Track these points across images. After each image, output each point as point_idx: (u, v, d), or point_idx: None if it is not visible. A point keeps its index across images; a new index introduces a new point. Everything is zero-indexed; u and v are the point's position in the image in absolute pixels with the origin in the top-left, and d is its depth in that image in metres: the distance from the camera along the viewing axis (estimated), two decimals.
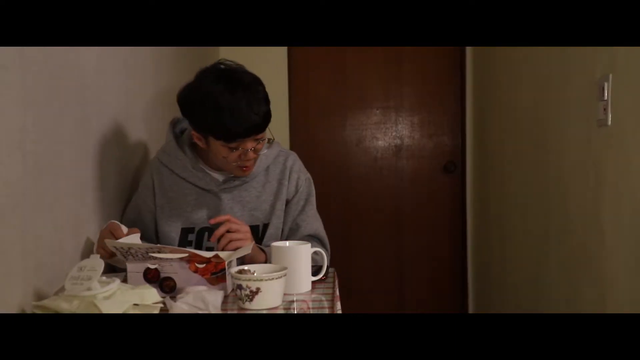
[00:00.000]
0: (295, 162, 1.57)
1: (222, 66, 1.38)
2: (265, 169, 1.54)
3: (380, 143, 3.19)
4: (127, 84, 1.62)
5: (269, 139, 1.47)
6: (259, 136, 1.40)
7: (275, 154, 1.55)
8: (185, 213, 1.50)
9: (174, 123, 1.56)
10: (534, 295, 2.15)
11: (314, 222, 1.56)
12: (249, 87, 1.35)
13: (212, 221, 1.36)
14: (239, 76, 1.37)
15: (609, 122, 1.49)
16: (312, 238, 1.54)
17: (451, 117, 3.16)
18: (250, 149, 1.39)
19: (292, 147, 3.16)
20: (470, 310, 3.17)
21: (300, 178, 1.56)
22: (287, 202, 1.54)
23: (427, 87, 3.15)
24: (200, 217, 1.50)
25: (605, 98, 1.50)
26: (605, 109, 1.50)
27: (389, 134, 3.18)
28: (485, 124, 2.88)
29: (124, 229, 1.38)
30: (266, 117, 1.38)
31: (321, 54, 3.15)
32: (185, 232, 1.50)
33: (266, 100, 1.39)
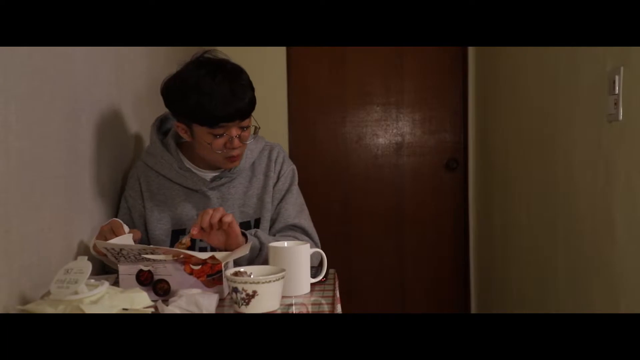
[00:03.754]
0: (279, 153, 1.56)
1: (205, 56, 1.40)
2: (251, 164, 1.52)
3: (381, 140, 3.14)
4: (118, 77, 1.56)
5: (255, 128, 1.46)
6: (244, 123, 1.38)
7: (260, 149, 1.54)
8: (175, 215, 1.48)
9: (158, 123, 1.54)
10: (540, 297, 2.10)
11: (294, 212, 1.53)
12: (231, 72, 1.36)
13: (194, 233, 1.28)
14: (220, 63, 1.38)
15: (620, 117, 1.44)
16: (295, 229, 1.51)
17: (453, 113, 3.11)
18: (236, 136, 1.38)
19: (291, 145, 3.11)
20: (473, 311, 3.13)
21: (283, 167, 1.55)
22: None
23: (428, 82, 3.10)
24: (190, 218, 1.48)
25: (616, 92, 1.45)
26: (616, 104, 1.45)
27: (389, 131, 3.13)
28: (488, 120, 2.82)
29: (126, 228, 1.34)
30: (250, 102, 1.37)
31: (320, 50, 3.10)
32: (177, 234, 1.47)
33: (250, 87, 1.39)
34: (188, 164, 1.48)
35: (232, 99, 1.32)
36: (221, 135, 1.36)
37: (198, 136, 1.39)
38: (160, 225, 1.47)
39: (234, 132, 1.37)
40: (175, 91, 1.37)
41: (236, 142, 1.38)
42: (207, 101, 1.31)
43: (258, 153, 1.53)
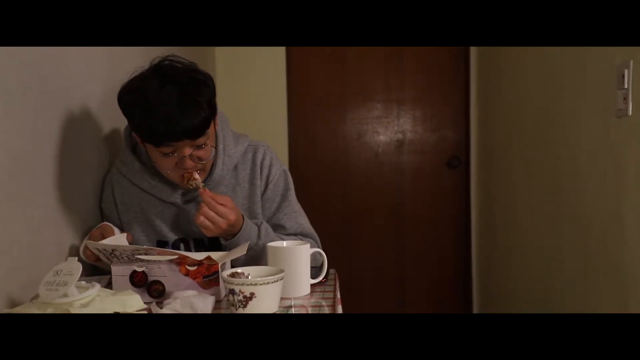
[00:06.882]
0: (265, 154, 1.40)
1: (166, 62, 1.23)
2: (234, 168, 1.38)
3: (382, 138, 3.10)
4: (112, 73, 1.52)
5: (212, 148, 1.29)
6: (197, 142, 1.22)
7: (242, 151, 1.38)
8: (154, 228, 1.37)
9: (130, 128, 1.34)
10: (544, 296, 2.06)
11: (296, 219, 1.41)
12: (185, 85, 1.18)
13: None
14: (177, 72, 1.21)
15: (630, 112, 1.40)
16: (297, 237, 1.41)
17: (455, 110, 3.06)
18: (188, 156, 1.22)
19: (290, 142, 3.08)
20: (475, 311, 3.09)
21: (272, 172, 1.39)
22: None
23: (429, 79, 3.05)
24: (169, 231, 1.38)
25: (625, 86, 1.41)
26: (625, 98, 1.41)
27: (390, 128, 3.09)
28: (491, 117, 2.78)
29: (117, 231, 1.29)
30: (203, 122, 1.19)
31: (320, 48, 3.05)
32: (162, 245, 1.38)
33: (208, 102, 1.21)
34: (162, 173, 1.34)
35: (179, 117, 1.15)
36: (171, 154, 1.22)
37: (149, 152, 1.26)
38: (143, 237, 1.37)
39: (186, 151, 1.21)
40: (124, 101, 1.22)
41: (188, 162, 1.23)
42: (150, 117, 1.15)
43: (241, 156, 1.38)
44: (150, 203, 1.36)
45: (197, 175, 1.26)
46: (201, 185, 1.26)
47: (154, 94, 1.16)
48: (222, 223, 1.23)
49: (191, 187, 1.29)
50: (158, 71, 1.21)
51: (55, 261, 1.18)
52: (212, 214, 1.22)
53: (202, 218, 1.22)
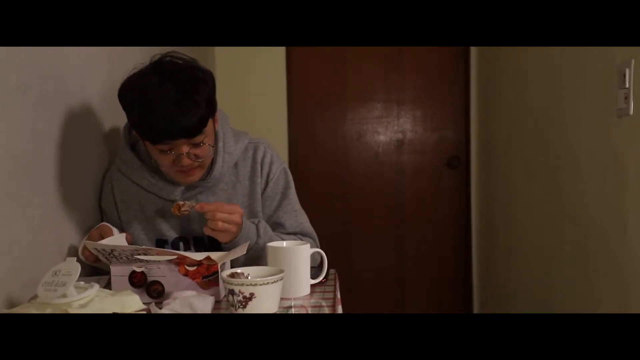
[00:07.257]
0: (266, 152, 1.40)
1: (167, 58, 1.23)
2: (234, 165, 1.38)
3: (382, 138, 3.10)
4: (112, 73, 1.51)
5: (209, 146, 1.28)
6: (195, 140, 1.21)
7: (243, 148, 1.38)
8: (153, 226, 1.36)
9: (129, 126, 1.34)
10: (544, 296, 2.06)
11: (296, 217, 1.41)
12: (184, 83, 1.17)
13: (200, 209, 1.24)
14: (177, 68, 1.20)
15: (631, 112, 1.40)
16: (297, 236, 1.41)
17: (455, 110, 3.06)
18: (185, 154, 1.22)
19: (290, 142, 3.07)
20: (475, 311, 3.09)
21: (272, 169, 1.39)
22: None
23: (430, 78, 3.05)
24: (169, 229, 1.37)
25: (627, 86, 1.40)
26: (626, 98, 1.41)
27: (390, 128, 3.09)
28: (491, 117, 2.78)
29: (116, 231, 1.29)
30: (200, 121, 1.19)
31: (320, 48, 3.05)
32: (161, 243, 1.37)
33: (207, 101, 1.20)
34: (162, 170, 1.33)
35: (178, 116, 1.15)
36: (168, 152, 1.21)
37: (148, 148, 1.26)
38: (143, 236, 1.36)
39: (183, 149, 1.21)
40: (124, 97, 1.22)
41: (185, 160, 1.22)
42: (148, 115, 1.16)
43: (241, 153, 1.38)
44: (150, 201, 1.36)
45: (181, 202, 1.27)
46: (195, 204, 1.26)
47: (153, 91, 1.16)
48: (237, 217, 1.23)
49: (187, 213, 1.28)
50: (158, 67, 1.21)
51: (55, 261, 1.17)
52: (224, 215, 1.22)
53: (220, 223, 1.21)
